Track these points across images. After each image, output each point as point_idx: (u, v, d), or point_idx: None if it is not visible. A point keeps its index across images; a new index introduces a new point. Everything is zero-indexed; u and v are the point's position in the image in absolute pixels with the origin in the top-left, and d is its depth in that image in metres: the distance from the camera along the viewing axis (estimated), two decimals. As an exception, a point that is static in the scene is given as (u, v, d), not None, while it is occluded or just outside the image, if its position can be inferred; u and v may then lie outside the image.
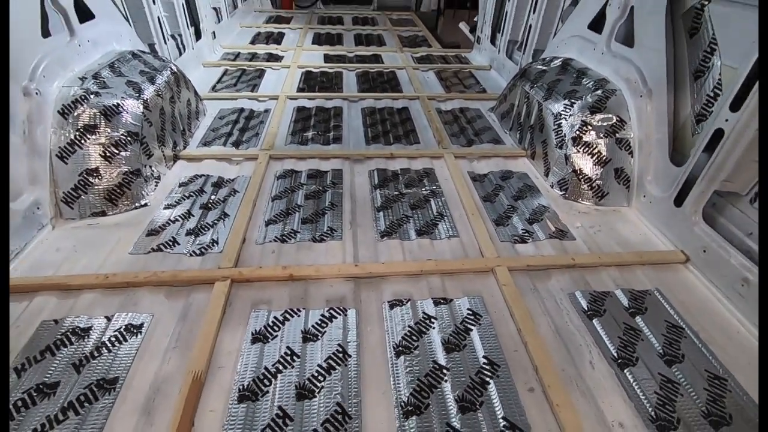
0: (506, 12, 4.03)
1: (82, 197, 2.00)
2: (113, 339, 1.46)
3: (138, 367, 1.38)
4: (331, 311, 1.59)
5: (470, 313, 1.62)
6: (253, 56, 4.46)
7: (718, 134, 1.72)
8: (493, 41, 4.45)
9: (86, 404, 1.26)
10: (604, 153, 2.25)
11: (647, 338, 1.55)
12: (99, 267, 1.74)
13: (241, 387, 1.33)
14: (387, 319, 1.58)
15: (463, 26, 5.51)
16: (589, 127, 2.27)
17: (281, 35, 5.34)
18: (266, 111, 3.22)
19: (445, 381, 1.37)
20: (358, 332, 1.53)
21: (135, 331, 1.49)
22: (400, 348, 1.47)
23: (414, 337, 1.51)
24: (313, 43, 5.08)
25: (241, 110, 3.21)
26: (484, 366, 1.42)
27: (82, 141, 2.00)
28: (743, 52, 1.66)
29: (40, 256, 1.79)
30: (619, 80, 2.34)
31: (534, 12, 3.50)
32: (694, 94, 2.01)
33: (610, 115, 2.26)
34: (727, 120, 1.68)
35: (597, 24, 2.61)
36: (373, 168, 2.55)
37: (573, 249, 1.97)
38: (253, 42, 5.01)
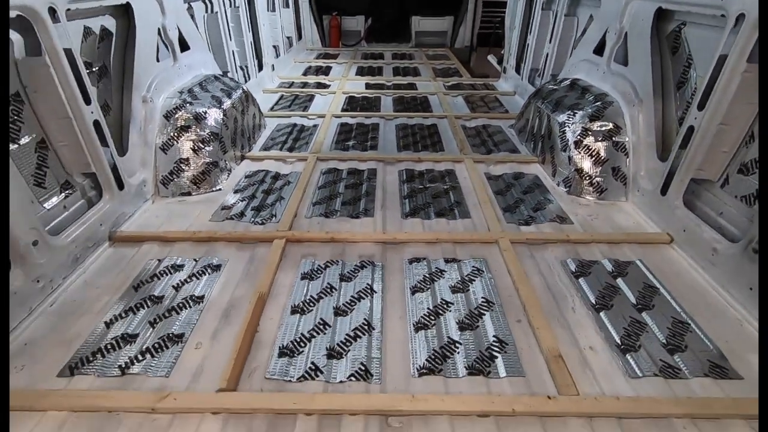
0: (528, 44, 4.51)
1: (175, 180, 2.59)
2: (200, 272, 1.95)
3: (218, 291, 1.85)
4: (363, 263, 2.01)
5: (475, 269, 1.98)
6: (305, 85, 5.17)
7: (690, 131, 2.05)
8: (517, 70, 4.92)
9: (184, 309, 1.73)
10: (603, 154, 2.59)
11: (624, 293, 1.84)
12: (188, 227, 2.27)
13: (293, 305, 1.76)
14: (406, 271, 1.98)
15: (491, 58, 6.04)
16: (589, 132, 2.63)
17: (329, 68, 6.08)
18: (314, 126, 3.80)
19: (449, 312, 1.74)
20: (383, 278, 1.93)
21: (215, 269, 1.98)
22: (416, 289, 1.86)
23: (427, 283, 1.90)
24: (356, 74, 5.76)
25: (294, 125, 3.81)
26: (482, 304, 1.78)
27: (178, 138, 2.60)
28: (708, 62, 2.01)
29: (144, 221, 2.35)
30: (616, 94, 2.71)
31: (550, 42, 3.95)
32: (677, 101, 2.35)
33: (607, 122, 2.61)
34: (695, 118, 2.02)
35: (600, 49, 3.01)
36: (403, 168, 3.00)
37: (570, 230, 2.30)
38: (305, 73, 5.76)
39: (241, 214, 2.41)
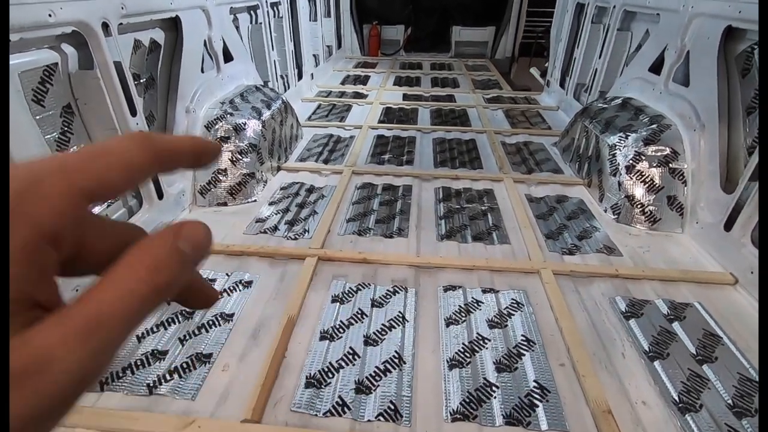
0: (575, 58, 4.32)
1: (212, 190, 2.61)
2: (231, 288, 1.93)
3: (248, 308, 1.82)
4: (395, 288, 1.94)
5: (514, 301, 1.87)
6: (343, 94, 5.18)
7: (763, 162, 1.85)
8: (562, 84, 4.73)
9: (213, 327, 1.72)
10: (657, 181, 2.41)
11: (681, 340, 1.68)
12: (222, 239, 2.27)
13: (322, 330, 1.70)
14: (441, 299, 1.89)
15: (534, 71, 5.85)
16: (643, 157, 2.45)
17: (367, 78, 6.08)
18: (351, 137, 3.78)
19: (486, 348, 1.63)
20: (416, 305, 1.85)
21: (246, 285, 1.96)
22: (450, 320, 1.77)
23: (462, 314, 1.80)
24: (394, 84, 5.73)
25: (331, 136, 3.81)
26: (521, 342, 1.66)
27: (218, 148, 2.63)
28: (787, 89, 1.82)
29: (181, 230, 2.38)
30: (674, 116, 2.52)
31: (600, 57, 3.76)
32: (746, 128, 2.14)
33: (663, 147, 2.43)
34: (770, 149, 1.82)
35: (657, 67, 2.82)
36: (439, 186, 2.92)
37: (618, 263, 2.13)
38: (343, 83, 5.78)
39: (275, 228, 2.39)
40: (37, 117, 1.64)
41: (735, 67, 2.22)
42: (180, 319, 1.75)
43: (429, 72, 6.51)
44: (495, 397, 1.44)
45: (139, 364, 1.54)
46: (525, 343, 1.66)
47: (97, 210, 1.96)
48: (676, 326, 1.74)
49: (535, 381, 1.49)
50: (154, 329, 1.70)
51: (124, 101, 1.95)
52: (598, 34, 3.91)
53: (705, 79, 2.35)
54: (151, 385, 1.46)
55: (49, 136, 1.71)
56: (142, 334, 1.67)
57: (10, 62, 1.49)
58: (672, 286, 1.97)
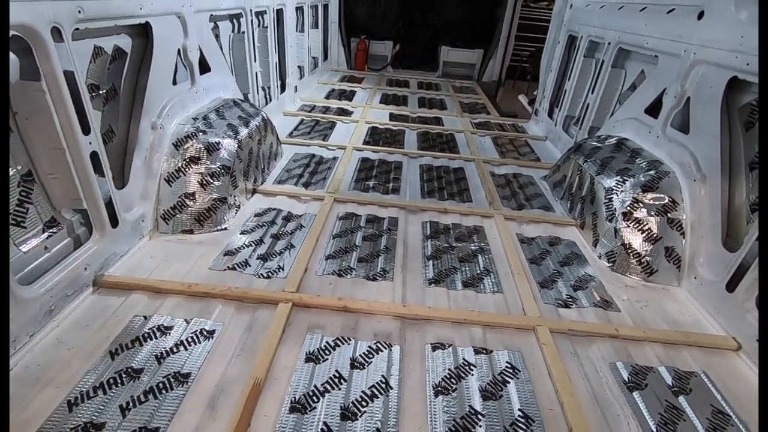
0: (565, 90, 4.27)
1: (177, 216, 2.34)
2: (189, 339, 1.67)
3: (208, 367, 1.57)
4: (378, 344, 1.73)
5: (509, 366, 1.69)
6: (327, 109, 4.98)
7: (771, 224, 1.76)
8: (550, 114, 4.68)
9: (164, 391, 1.46)
10: (655, 231, 2.30)
11: (690, 419, 1.53)
12: (184, 276, 2.01)
13: (293, 399, 1.47)
14: (429, 360, 1.69)
15: (522, 98, 5.82)
16: (640, 204, 2.35)
17: (353, 93, 5.91)
18: (334, 158, 3.57)
19: (480, 426, 1.44)
20: (401, 367, 1.64)
21: (208, 335, 1.71)
22: (439, 388, 1.57)
23: (453, 380, 1.60)
24: (380, 102, 5.57)
25: (313, 156, 3.59)
26: (518, 418, 1.48)
27: (187, 169, 2.37)
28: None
29: (138, 261, 2.10)
30: (673, 163, 2.43)
31: (593, 92, 3.71)
32: (749, 183, 2.06)
33: (662, 195, 2.33)
34: (781, 212, 1.73)
35: (653, 109, 2.75)
36: (427, 220, 2.74)
37: (617, 320, 2.00)
38: (327, 97, 5.59)
39: (245, 264, 2.15)
40: (-39, 135, 1.37)
41: (738, 119, 2.15)
42: (124, 379, 1.49)
43: (416, 91, 6.40)
44: (492, 495, 1.24)
45: (66, 442, 1.27)
46: (523, 420, 1.47)
47: (33, 242, 1.68)
48: (682, 401, 1.60)
49: (536, 473, 1.31)
50: (91, 393, 1.42)
51: (75, 117, 1.68)
52: (590, 68, 3.87)
53: (706, 128, 2.27)
54: (78, 474, 1.19)
55: (-25, 157, 1.43)
56: (77, 398, 1.40)
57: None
58: (674, 350, 1.84)
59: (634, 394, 1.62)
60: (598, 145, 2.98)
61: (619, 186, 2.48)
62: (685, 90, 2.45)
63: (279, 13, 4.36)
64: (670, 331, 1.94)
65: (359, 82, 6.61)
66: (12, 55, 1.53)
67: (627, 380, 1.67)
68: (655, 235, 2.30)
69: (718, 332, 1.96)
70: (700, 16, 2.38)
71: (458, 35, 7.57)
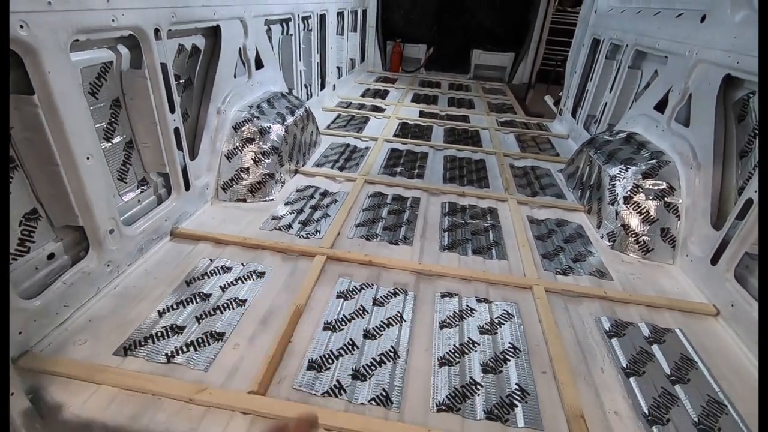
0: (587, 90, 4.48)
1: (234, 186, 2.80)
2: (245, 277, 2.10)
3: (260, 296, 1.98)
4: (396, 290, 2.09)
5: (505, 312, 2.00)
6: (362, 106, 5.39)
7: (749, 203, 1.98)
8: (573, 114, 4.89)
9: (227, 310, 1.88)
10: (653, 213, 2.54)
11: (658, 362, 1.79)
12: (239, 232, 2.44)
13: (326, 321, 1.85)
14: (437, 304, 2.03)
15: (548, 99, 6.03)
16: (640, 189, 2.59)
17: (386, 92, 6.31)
18: (366, 148, 3.97)
19: (475, 352, 1.77)
20: (414, 308, 1.99)
21: (259, 275, 2.12)
22: (444, 324, 1.90)
23: (456, 319, 1.94)
24: (412, 100, 5.94)
25: (347, 145, 4.00)
26: (508, 349, 1.79)
27: (243, 148, 2.83)
28: (775, 136, 1.95)
29: (203, 220, 2.56)
30: (674, 154, 2.66)
31: (611, 92, 3.92)
32: (738, 170, 2.28)
33: (660, 182, 2.56)
34: (756, 191, 1.95)
35: (661, 106, 2.97)
36: (446, 200, 3.07)
37: (608, 286, 2.26)
38: (363, 95, 6.01)
39: (289, 226, 2.56)
40: (92, 107, 1.84)
41: (732, 112, 2.36)
42: (197, 299, 1.92)
43: (447, 91, 6.72)
44: (479, 395, 1.57)
45: (159, 336, 1.70)
46: (512, 350, 1.79)
47: (131, 195, 2.16)
48: (655, 348, 1.86)
49: (517, 384, 1.62)
50: (174, 307, 1.86)
51: (165, 99, 2.15)
52: (610, 69, 4.08)
53: (704, 122, 2.49)
54: (170, 354, 1.62)
55: (98, 125, 1.91)
56: (163, 310, 1.84)
57: (75, 58, 1.69)
58: (657, 312, 2.09)
59: (612, 340, 1.90)
60: (609, 138, 3.21)
61: (623, 173, 2.72)
62: (688, 87, 2.67)
63: (322, 18, 4.82)
64: (655, 296, 2.19)
65: (393, 83, 7.00)
66: (124, 49, 2.01)
67: (608, 330, 1.95)
68: (652, 218, 2.53)
69: (701, 300, 2.18)
70: (703, 19, 2.60)
71: (490, 38, 7.84)
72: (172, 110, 2.22)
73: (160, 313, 1.82)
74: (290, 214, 2.71)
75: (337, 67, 5.77)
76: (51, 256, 1.72)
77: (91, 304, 1.82)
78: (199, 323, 1.79)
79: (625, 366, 1.75)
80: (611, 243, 2.63)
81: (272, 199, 2.87)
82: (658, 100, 3.03)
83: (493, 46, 7.85)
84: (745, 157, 2.24)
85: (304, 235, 2.49)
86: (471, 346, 1.79)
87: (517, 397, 1.57)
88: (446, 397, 1.54)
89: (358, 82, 6.77)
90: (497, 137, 4.58)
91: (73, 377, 1.49)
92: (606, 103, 3.95)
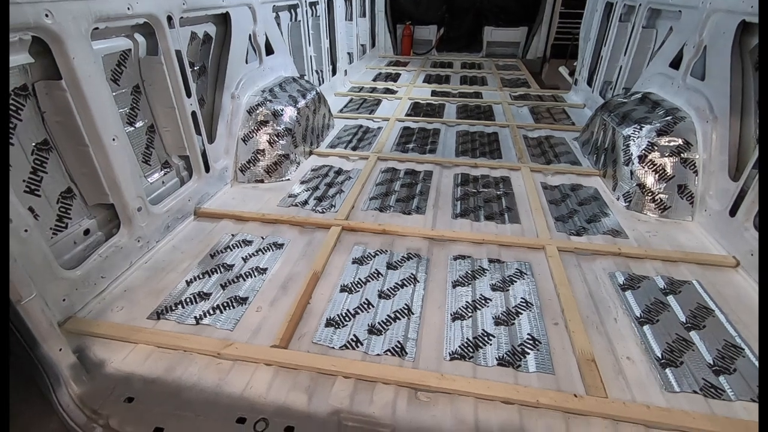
0: (602, 56, 4.38)
1: (251, 168, 2.91)
2: (265, 249, 2.20)
3: (280, 265, 2.08)
4: (410, 254, 2.15)
5: (517, 271, 2.03)
6: (374, 90, 5.43)
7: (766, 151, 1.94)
8: (589, 82, 4.78)
9: (249, 278, 1.99)
10: (669, 170, 2.50)
11: (673, 310, 1.80)
12: (258, 210, 2.55)
13: (342, 284, 1.94)
14: (450, 266, 2.08)
15: (563, 70, 5.90)
16: (655, 147, 2.55)
17: (398, 75, 6.31)
18: (379, 128, 4.01)
19: (487, 307, 1.82)
20: (428, 270, 2.05)
21: (278, 247, 2.22)
22: (457, 283, 1.96)
23: (468, 278, 1.98)
24: (423, 81, 5.92)
25: (360, 126, 4.06)
26: (520, 304, 1.83)
27: (258, 131, 2.93)
28: (792, 79, 1.89)
29: (223, 201, 2.68)
30: (690, 109, 2.59)
31: (625, 54, 3.82)
32: (757, 119, 2.21)
33: (676, 138, 2.51)
34: (773, 136, 1.90)
35: (677, 62, 2.89)
36: (459, 172, 3.10)
37: (623, 244, 2.25)
38: (374, 79, 6.04)
39: (305, 203, 2.65)
40: (114, 94, 1.96)
41: (749, 60, 2.29)
42: (222, 269, 2.03)
43: (459, 71, 6.66)
44: (491, 344, 1.62)
45: (187, 302, 1.83)
46: (524, 304, 1.83)
47: (155, 176, 2.29)
48: (670, 299, 1.86)
49: (528, 334, 1.67)
50: (200, 276, 1.98)
51: (181, 84, 2.26)
52: (625, 32, 3.97)
53: (720, 73, 2.42)
54: (198, 317, 1.74)
55: (121, 110, 2.03)
56: (190, 279, 1.96)
57: (96, 47, 1.81)
58: (673, 266, 2.08)
59: (626, 293, 1.90)
60: (624, 100, 3.15)
61: (637, 132, 2.68)
62: (703, 39, 2.59)
63: (329, 4, 4.87)
64: (671, 250, 2.17)
65: (404, 66, 6.99)
66: (140, 37, 2.12)
67: (622, 284, 1.96)
68: (668, 175, 2.49)
69: (720, 253, 2.15)
70: (716, -33, 2.51)
71: (501, 14, 7.69)
72: (189, 95, 2.33)
73: (188, 283, 1.95)
74: (306, 191, 2.80)
75: (348, 53, 5.81)
76: (87, 232, 1.86)
77: (125, 276, 1.96)
78: (224, 290, 1.91)
79: (638, 315, 1.76)
80: (627, 203, 2.60)
81: (288, 179, 2.97)
82: (672, 57, 2.95)
83: (505, 22, 7.70)
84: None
85: (320, 210, 2.57)
86: (483, 302, 1.84)
87: (528, 345, 1.62)
88: (459, 346, 1.60)
89: (370, 67, 6.79)
90: (510, 111, 4.53)
91: (113, 337, 1.62)
92: (621, 67, 3.86)
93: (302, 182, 2.94)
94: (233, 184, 2.88)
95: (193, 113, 2.39)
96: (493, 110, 4.61)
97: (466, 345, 1.61)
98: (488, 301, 1.84)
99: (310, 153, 3.37)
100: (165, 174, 2.36)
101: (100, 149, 1.79)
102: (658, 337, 1.65)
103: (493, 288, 1.92)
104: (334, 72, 5.15)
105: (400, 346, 1.60)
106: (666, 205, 2.49)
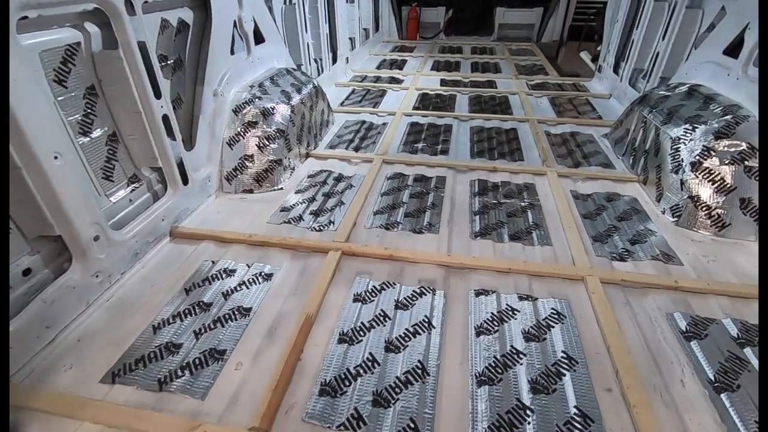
0: (633, 40, 3.92)
1: (238, 177, 2.54)
2: (251, 281, 1.85)
3: (266, 303, 1.74)
4: (422, 289, 1.79)
5: (554, 312, 1.67)
6: (378, 79, 5.00)
7: None
8: (616, 70, 4.33)
9: (230, 321, 1.64)
10: (729, 181, 2.10)
11: (756, 370, 1.44)
12: (245, 228, 2.20)
13: (341, 332, 1.59)
14: (471, 305, 1.73)
15: (585, 55, 5.43)
16: (712, 153, 2.15)
17: (404, 62, 5.86)
18: (384, 124, 3.62)
19: (521, 364, 1.46)
20: (444, 310, 1.70)
21: (266, 277, 1.87)
22: (481, 329, 1.60)
23: (495, 323, 1.63)
24: (431, 69, 5.48)
25: (363, 122, 3.66)
26: (561, 359, 1.48)
27: (245, 133, 2.55)
28: None
29: (206, 216, 2.33)
30: (753, 106, 2.18)
31: (663, 39, 3.37)
32: None
33: (738, 142, 2.11)
34: None
35: (734, 49, 2.46)
36: (475, 178, 2.71)
37: (678, 273, 1.88)
38: (378, 67, 5.60)
39: (299, 218, 2.30)
40: (60, 98, 1.60)
41: (837, 48, 1.87)
42: (197, 310, 1.69)
43: (469, 56, 6.20)
44: (529, 423, 1.27)
45: (152, 357, 1.49)
46: (566, 360, 1.47)
47: (120, 194, 1.93)
48: (748, 352, 1.50)
49: (576, 407, 1.32)
50: (171, 320, 1.64)
51: (148, 83, 1.88)
52: (661, 12, 3.51)
53: (796, 63, 2.00)
54: (162, 380, 1.40)
55: (71, 118, 1.67)
56: (159, 324, 1.62)
57: (26, 42, 1.44)
58: (744, 304, 1.71)
59: (691, 343, 1.54)
60: (667, 94, 2.73)
61: (688, 134, 2.28)
62: (773, 22, 2.17)
63: (328, -16, 4.41)
64: (738, 284, 1.80)
65: (410, 51, 6.52)
66: (94, 28, 1.73)
67: (684, 330, 1.59)
68: (728, 186, 2.10)
69: (799, 287, 1.77)
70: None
71: (515, -6, 7.16)
72: (158, 95, 1.96)
73: (156, 329, 1.61)
74: (301, 203, 2.44)
75: (350, 39, 5.36)
76: (27, 272, 1.52)
77: (80, 321, 1.63)
78: (198, 339, 1.57)
79: (712, 378, 1.41)
80: (676, 219, 2.22)
81: (281, 188, 2.61)
82: (728, 43, 2.51)
83: (518, 2, 7.16)
84: None
85: (317, 227, 2.22)
86: (515, 357, 1.49)
87: (578, 425, 1.27)
88: (488, 427, 1.26)
89: (373, 53, 6.33)
90: (529, 102, 4.11)
91: (54, 412, 1.30)
92: (658, 54, 3.41)
93: (297, 192, 2.57)
94: (218, 195, 2.52)
95: (165, 117, 2.02)
96: (510, 102, 4.18)
97: (497, 425, 1.26)
98: (521, 356, 1.49)
99: (307, 155, 3.00)
100: (133, 190, 2.00)
101: (36, 170, 1.43)
102: (742, 413, 1.30)
103: (527, 337, 1.56)
104: (334, 60, 4.73)
105: (413, 426, 1.26)
106: (724, 222, 2.11)
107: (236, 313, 1.68)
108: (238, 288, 1.81)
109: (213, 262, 1.97)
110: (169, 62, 2.20)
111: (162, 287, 1.82)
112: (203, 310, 1.70)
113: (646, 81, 3.57)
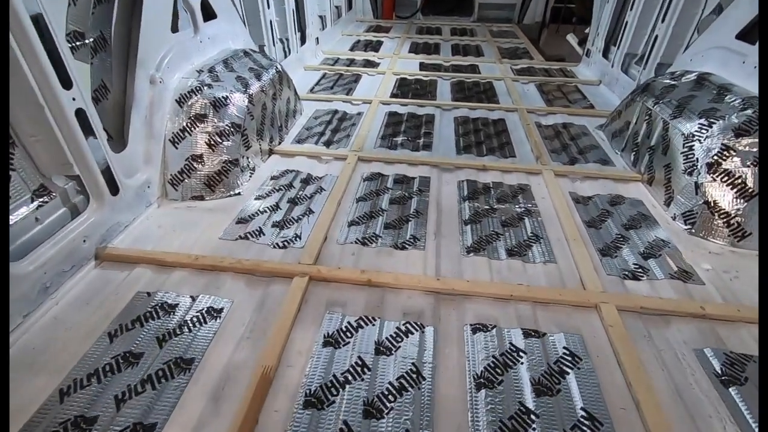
0: (626, 22, 3.64)
1: (186, 181, 2.13)
2: (195, 320, 1.48)
3: (213, 351, 1.38)
4: (408, 325, 1.47)
5: (567, 353, 1.39)
6: (351, 62, 4.57)
7: None
8: (605, 54, 4.06)
9: (163, 380, 1.28)
10: (750, 185, 1.86)
11: (809, 425, 1.19)
12: (191, 247, 1.81)
13: (307, 391, 1.26)
14: (468, 344, 1.42)
15: (571, 38, 5.15)
16: (732, 153, 1.90)
17: (379, 43, 5.43)
18: (359, 114, 3.24)
19: (533, 430, 1.17)
20: (435, 353, 1.39)
21: (215, 314, 1.51)
22: (482, 380, 1.30)
23: (498, 370, 1.33)
24: (410, 51, 5.09)
25: (335, 112, 3.27)
26: (582, 419, 1.20)
27: (192, 129, 2.13)
28: None
29: (144, 231, 1.92)
30: (777, 99, 1.93)
31: (663, 21, 3.10)
32: None
33: (762, 140, 1.86)
34: None
35: (749, 33, 2.20)
36: (463, 179, 2.40)
37: (701, 295, 1.63)
38: (352, 49, 5.15)
39: (259, 232, 1.93)
40: None
41: None
42: (122, 365, 1.32)
43: (449, 38, 5.82)
44: None
45: (54, 439, 1.12)
46: (588, 422, 1.19)
47: (21, 212, 1.51)
48: (796, 400, 1.26)
49: (607, 493, 1.04)
50: (85, 381, 1.27)
51: (50, 68, 1.45)
52: (659, -8, 3.24)
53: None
54: (63, 478, 1.04)
55: (-66, 117, 1.23)
56: (68, 389, 1.24)
57: None
58: (779, 334, 1.47)
59: (730, 389, 1.29)
60: (673, 83, 2.47)
61: (703, 131, 2.01)
62: (801, 2, 1.90)
63: (294, -47, 3.92)
64: (772, 309, 1.56)
65: (386, 32, 6.08)
66: (-35, -7, 1.28)
67: (719, 372, 1.34)
68: (750, 191, 1.86)
69: (836, 310, 1.55)
70: None
71: (496, -28, 6.78)
72: (67, 85, 1.52)
73: (63, 395, 1.23)
74: (261, 213, 2.06)
75: (320, 17, 4.89)
76: None
77: (-41, 389, 1.23)
78: (120, 409, 1.20)
79: (762, 439, 1.16)
80: (689, 226, 1.98)
81: (239, 193, 2.22)
82: (742, 27, 2.25)
83: (499, -19, 6.80)
84: None
85: (280, 243, 1.86)
86: (526, 419, 1.19)
87: None
88: None
89: (346, 33, 5.86)
90: (515, 89, 3.80)
91: None
92: (656, 37, 3.14)
93: (258, 198, 2.19)
94: (161, 203, 2.11)
95: (80, 110, 1.59)
96: (495, 88, 3.87)
97: None
98: (533, 418, 1.20)
99: (270, 153, 2.60)
100: (40, 206, 1.57)
101: None
102: (806, 489, 1.05)
103: (538, 390, 1.27)
104: (303, 41, 4.27)
105: None
106: (744, 232, 1.87)
107: (174, 367, 1.32)
108: (179, 331, 1.44)
109: (148, 294, 1.58)
110: (86, 41, 1.75)
111: (78, 332, 1.43)
112: (130, 364, 1.33)
113: (642, 67, 3.32)
